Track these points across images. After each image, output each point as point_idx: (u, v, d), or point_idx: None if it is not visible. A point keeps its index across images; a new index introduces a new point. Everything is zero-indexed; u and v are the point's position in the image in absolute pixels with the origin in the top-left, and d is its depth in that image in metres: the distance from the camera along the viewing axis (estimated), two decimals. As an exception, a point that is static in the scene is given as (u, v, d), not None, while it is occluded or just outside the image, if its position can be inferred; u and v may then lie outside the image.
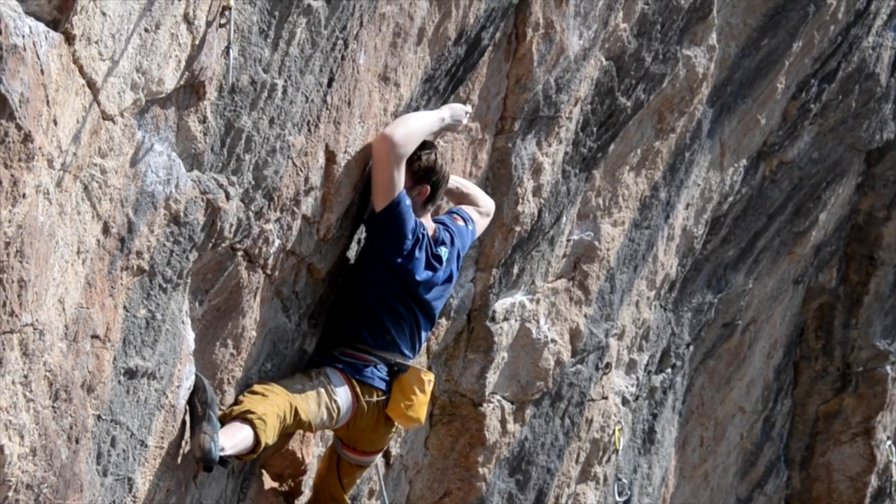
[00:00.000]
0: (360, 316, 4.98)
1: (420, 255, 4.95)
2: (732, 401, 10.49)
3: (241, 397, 4.70)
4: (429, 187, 4.98)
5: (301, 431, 5.36)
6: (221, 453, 4.38)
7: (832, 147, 9.72)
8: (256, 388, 4.75)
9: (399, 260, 4.91)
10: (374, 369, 4.99)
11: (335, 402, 4.89)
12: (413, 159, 4.91)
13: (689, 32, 7.33)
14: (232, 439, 4.48)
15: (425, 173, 4.96)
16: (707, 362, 9.96)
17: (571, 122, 6.64)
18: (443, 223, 5.24)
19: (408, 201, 4.87)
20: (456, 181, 5.51)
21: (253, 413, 4.56)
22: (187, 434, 4.45)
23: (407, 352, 5.09)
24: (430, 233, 5.07)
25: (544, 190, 6.65)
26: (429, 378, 5.13)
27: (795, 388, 11.78)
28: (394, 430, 5.20)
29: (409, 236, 4.90)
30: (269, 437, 4.60)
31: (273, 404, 4.65)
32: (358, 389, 4.95)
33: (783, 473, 11.88)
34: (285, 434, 4.96)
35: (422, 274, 4.97)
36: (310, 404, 4.81)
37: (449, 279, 5.16)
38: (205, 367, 4.50)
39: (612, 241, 7.54)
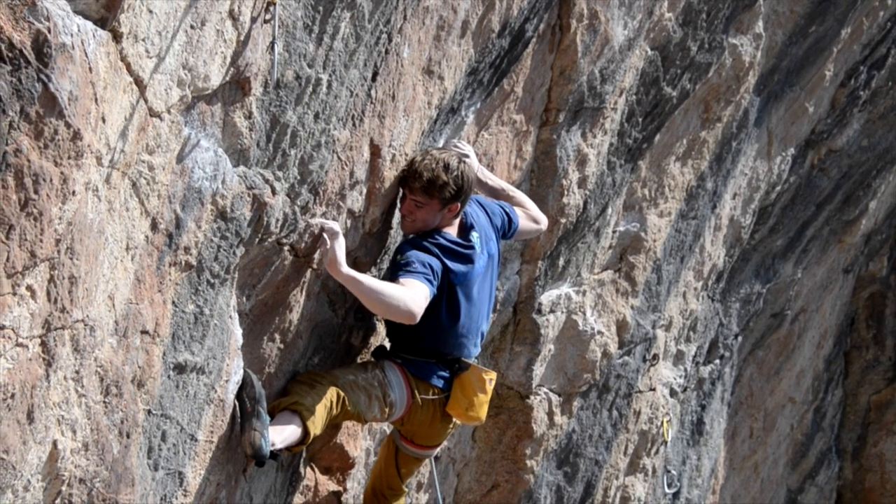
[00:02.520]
0: (426, 330, 4.86)
1: (453, 265, 4.84)
2: (782, 391, 10.41)
3: (289, 386, 4.72)
4: (459, 204, 4.88)
5: (350, 424, 5.38)
6: (272, 448, 4.41)
7: (882, 134, 9.60)
8: (304, 377, 4.76)
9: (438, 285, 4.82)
10: (434, 367, 4.96)
11: (388, 396, 4.87)
12: (440, 186, 4.76)
13: (734, 21, 7.27)
14: (282, 433, 4.49)
15: (454, 195, 4.82)
16: (756, 353, 9.88)
17: (616, 113, 6.60)
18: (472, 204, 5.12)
19: (432, 277, 4.70)
20: (504, 188, 5.46)
21: (301, 404, 4.57)
22: (237, 428, 4.48)
23: (470, 348, 5.04)
24: (456, 232, 4.96)
25: (589, 181, 6.62)
26: (490, 377, 5.07)
27: (846, 378, 11.67)
28: (451, 426, 5.16)
29: (440, 274, 4.78)
30: (318, 427, 4.61)
31: (320, 395, 4.65)
32: (414, 386, 4.92)
33: (835, 464, 11.77)
34: (333, 424, 4.97)
35: (460, 273, 4.87)
36: (359, 396, 4.79)
37: (490, 260, 5.04)
38: (252, 361, 4.52)
39: (658, 231, 7.50)
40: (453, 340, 4.94)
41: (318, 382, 4.71)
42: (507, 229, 5.28)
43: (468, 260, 4.90)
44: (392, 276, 4.68)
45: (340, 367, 4.98)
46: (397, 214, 5.06)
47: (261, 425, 4.37)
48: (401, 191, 4.94)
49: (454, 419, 5.11)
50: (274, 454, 4.47)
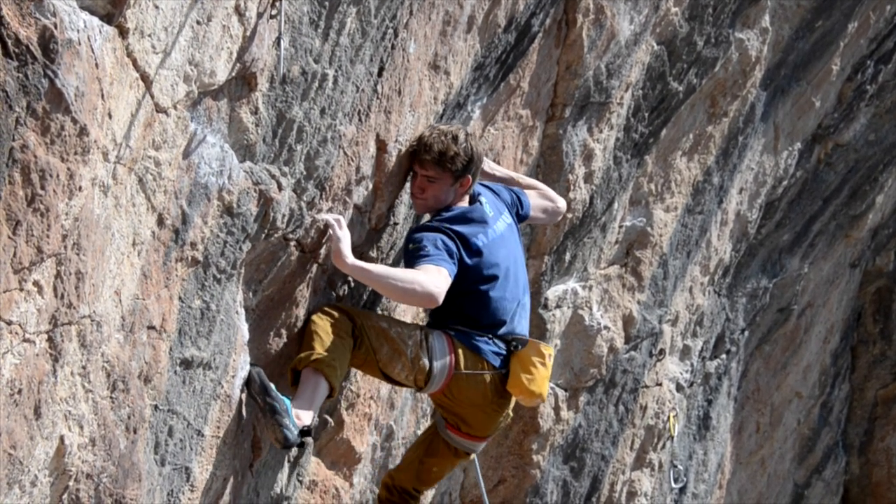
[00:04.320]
0: (466, 301, 4.78)
1: (466, 229, 4.73)
2: (789, 386, 10.40)
3: (312, 322, 4.58)
4: (470, 177, 4.83)
5: (356, 419, 5.37)
6: (303, 427, 4.40)
7: (889, 129, 9.58)
8: (328, 314, 4.61)
9: (467, 261, 4.73)
10: (488, 341, 4.79)
11: (421, 360, 4.67)
12: (451, 157, 4.72)
13: (741, 15, 7.26)
14: (311, 402, 4.45)
15: (466, 167, 4.78)
16: (762, 347, 9.87)
17: (623, 108, 6.60)
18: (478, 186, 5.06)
19: (452, 261, 4.62)
20: (512, 176, 5.39)
21: (321, 361, 4.48)
22: (243, 423, 4.49)
23: (517, 321, 4.88)
24: (467, 202, 4.90)
25: (596, 176, 6.62)
26: (549, 352, 4.91)
27: (853, 373, 11.66)
28: (505, 415, 4.93)
29: (457, 247, 4.70)
30: (340, 377, 4.56)
31: (339, 345, 4.56)
32: (462, 357, 4.73)
33: (842, 459, 11.76)
34: (355, 365, 4.79)
35: (477, 236, 4.76)
36: (382, 345, 4.63)
37: (509, 229, 4.93)
38: (259, 356, 4.53)
39: (664, 226, 7.49)
40: (494, 306, 4.78)
41: (340, 327, 4.59)
42: (519, 206, 5.17)
43: (480, 221, 4.82)
44: (407, 265, 4.63)
45: (378, 314, 4.83)
46: (404, 210, 5.06)
47: (279, 418, 4.34)
48: (411, 171, 4.88)
49: (509, 404, 4.89)
50: (307, 431, 4.46)
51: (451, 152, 4.74)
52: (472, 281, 4.74)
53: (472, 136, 4.88)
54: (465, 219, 4.79)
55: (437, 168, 4.77)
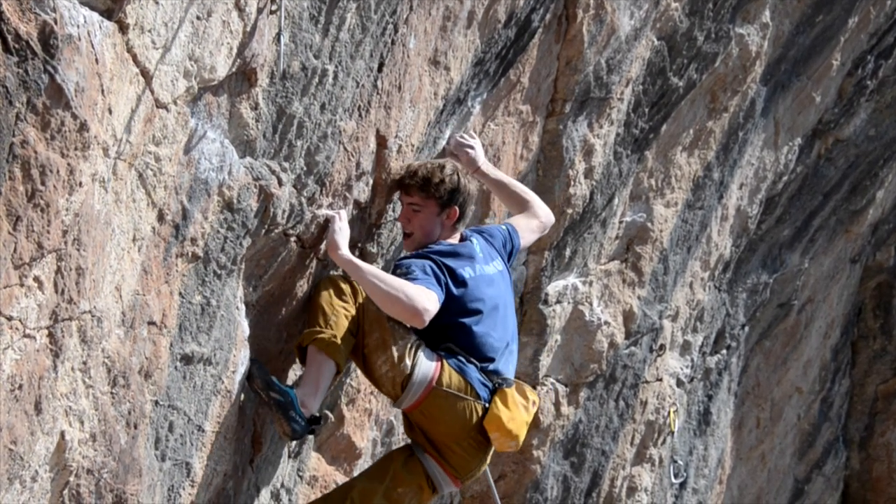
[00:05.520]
0: (451, 334, 4.64)
1: (454, 263, 4.68)
2: (789, 381, 10.41)
3: (318, 294, 4.53)
4: (457, 209, 4.77)
5: (357, 415, 5.38)
6: (312, 415, 4.40)
7: (889, 124, 9.57)
8: (333, 292, 4.55)
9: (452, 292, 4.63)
10: (475, 369, 4.62)
11: (404, 362, 4.51)
12: (436, 184, 4.70)
13: (741, 10, 7.25)
14: (316, 387, 4.45)
15: (451, 195, 4.74)
16: (763, 343, 9.88)
17: (623, 103, 6.60)
18: (470, 231, 4.99)
19: (440, 287, 4.53)
20: (516, 186, 5.33)
21: (324, 341, 4.46)
22: (246, 419, 4.49)
23: (503, 361, 4.72)
24: (457, 240, 4.84)
25: (596, 172, 6.62)
26: (534, 398, 4.75)
27: (854, 368, 11.66)
28: (481, 459, 4.71)
29: (445, 275, 4.62)
30: (346, 352, 4.52)
31: (345, 308, 4.53)
32: (448, 373, 4.55)
33: (842, 454, 11.77)
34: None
35: (464, 269, 4.69)
36: (374, 331, 4.54)
37: (500, 275, 4.84)
38: (259, 352, 4.53)
39: (664, 222, 7.49)
40: (480, 341, 4.65)
41: (344, 299, 4.54)
42: (510, 241, 5.06)
43: (468, 257, 4.76)
44: None
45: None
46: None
47: (283, 410, 4.35)
48: (398, 201, 4.87)
49: (488, 451, 4.69)
50: (317, 418, 4.46)
51: (436, 178, 4.72)
52: (456, 312, 4.62)
53: (462, 172, 4.83)
54: (453, 252, 4.73)
55: (420, 194, 4.74)
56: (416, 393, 4.56)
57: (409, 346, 4.57)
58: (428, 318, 4.43)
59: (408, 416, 4.71)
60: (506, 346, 4.78)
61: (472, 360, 4.64)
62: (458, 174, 4.79)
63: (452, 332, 4.63)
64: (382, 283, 4.42)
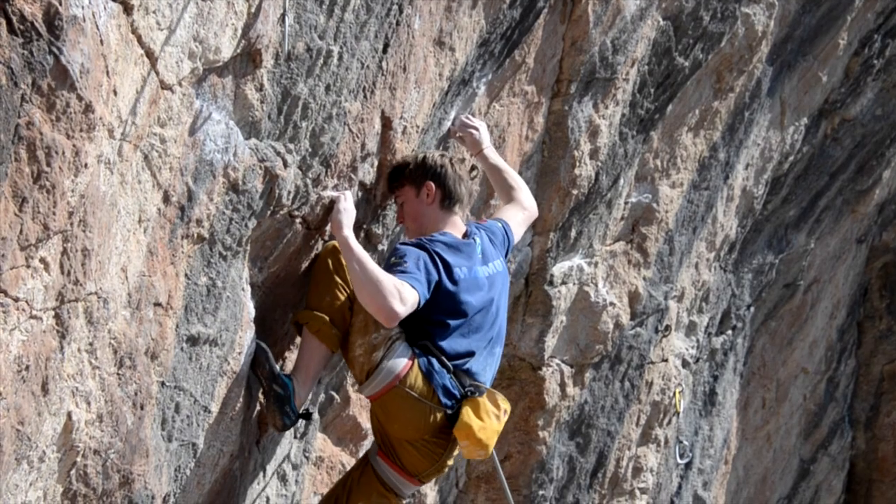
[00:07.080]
0: (432, 330, 4.60)
1: (452, 258, 4.62)
2: (795, 362, 10.41)
3: (320, 266, 4.56)
4: (432, 183, 4.70)
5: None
6: (302, 411, 4.48)
7: (896, 103, 9.55)
8: (328, 276, 4.56)
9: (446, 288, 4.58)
10: (446, 374, 4.56)
11: (378, 352, 4.49)
12: (401, 168, 4.73)
13: (747, -10, 7.23)
14: (307, 374, 4.51)
15: (418, 172, 4.70)
16: (768, 323, 9.87)
17: (628, 84, 6.58)
18: (475, 226, 4.94)
19: (427, 287, 4.45)
20: (509, 174, 5.26)
21: (316, 324, 4.50)
22: (252, 399, 4.51)
23: (482, 367, 4.67)
24: (461, 234, 4.79)
25: (601, 152, 6.61)
26: (506, 406, 4.68)
27: (859, 348, 11.66)
28: (439, 462, 4.67)
29: (436, 271, 4.56)
30: (338, 337, 4.55)
31: (340, 291, 4.56)
32: (414, 375, 4.51)
33: (847, 434, 11.78)
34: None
35: (461, 268, 4.64)
36: (359, 316, 4.51)
37: (495, 277, 4.77)
38: (265, 333, 4.54)
39: (670, 202, 7.49)
40: (462, 342, 4.60)
41: (343, 283, 4.54)
42: (507, 238, 5.03)
43: (468, 256, 4.70)
44: None
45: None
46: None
47: (281, 404, 4.43)
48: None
49: (449, 453, 4.64)
50: (306, 415, 4.54)
51: (401, 164, 4.77)
52: (441, 310, 4.56)
53: (438, 153, 4.79)
54: (455, 248, 4.66)
55: (396, 185, 4.78)
56: (377, 385, 4.53)
57: (388, 337, 4.53)
58: (394, 321, 4.34)
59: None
60: (487, 347, 4.71)
61: (446, 361, 4.58)
62: (425, 154, 4.76)
63: (432, 328, 4.58)
64: (363, 271, 4.32)
